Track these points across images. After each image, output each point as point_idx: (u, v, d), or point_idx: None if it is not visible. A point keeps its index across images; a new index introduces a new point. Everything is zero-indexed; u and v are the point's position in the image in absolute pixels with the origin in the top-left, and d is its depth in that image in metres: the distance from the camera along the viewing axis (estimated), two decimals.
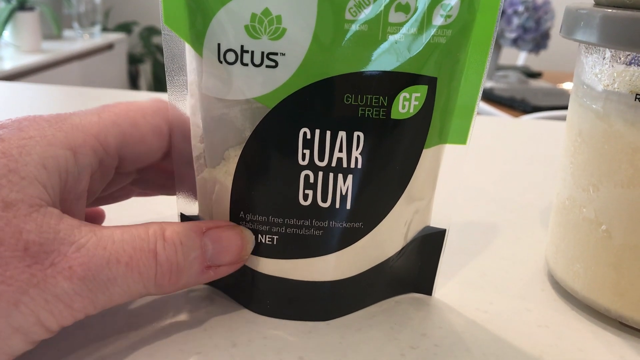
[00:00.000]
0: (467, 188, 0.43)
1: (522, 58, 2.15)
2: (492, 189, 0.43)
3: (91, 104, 0.25)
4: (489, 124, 0.66)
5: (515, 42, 1.70)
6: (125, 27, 2.79)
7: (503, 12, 1.65)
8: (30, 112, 0.23)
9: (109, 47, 2.35)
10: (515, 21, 1.66)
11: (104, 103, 0.25)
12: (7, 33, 1.90)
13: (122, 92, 0.70)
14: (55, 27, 2.08)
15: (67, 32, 2.32)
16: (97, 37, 2.31)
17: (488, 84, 1.65)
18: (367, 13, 0.22)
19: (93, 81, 2.20)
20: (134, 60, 2.73)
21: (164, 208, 0.35)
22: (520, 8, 1.65)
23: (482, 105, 1.34)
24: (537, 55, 1.78)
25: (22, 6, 1.89)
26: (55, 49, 1.99)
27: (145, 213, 0.35)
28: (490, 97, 1.50)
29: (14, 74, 1.66)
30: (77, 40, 2.23)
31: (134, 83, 2.78)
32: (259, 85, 0.23)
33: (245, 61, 0.23)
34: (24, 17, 1.87)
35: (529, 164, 0.51)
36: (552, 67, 2.25)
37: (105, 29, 2.61)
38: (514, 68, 1.94)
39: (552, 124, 0.67)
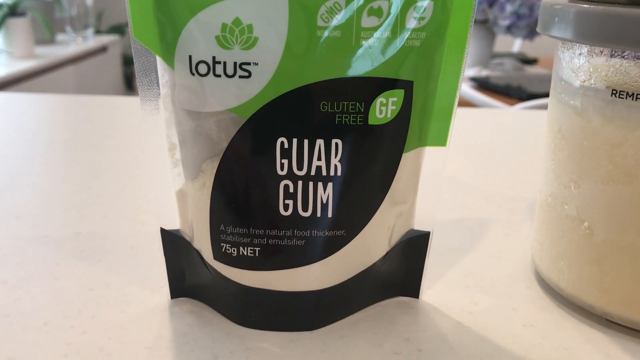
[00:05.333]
0: (455, 183, 0.43)
1: (517, 45, 2.14)
2: (481, 183, 0.43)
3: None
4: (478, 117, 0.66)
5: (509, 29, 1.69)
6: (118, 29, 2.78)
7: (496, 0, 1.64)
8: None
9: (103, 49, 2.35)
10: (509, 8, 1.65)
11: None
12: None
13: (115, 98, 0.70)
14: (47, 32, 2.07)
15: (60, 36, 2.31)
16: (90, 40, 2.30)
17: (483, 72, 1.64)
18: (339, 19, 0.22)
19: (88, 85, 2.20)
20: (128, 62, 2.73)
21: (149, 217, 0.35)
22: None
23: (478, 95, 1.34)
24: (532, 41, 1.77)
25: (14, 12, 1.89)
26: (48, 53, 1.98)
27: (132, 223, 0.35)
28: (485, 86, 1.50)
29: (8, 81, 1.66)
30: (71, 44, 2.22)
31: (129, 85, 2.78)
32: (233, 96, 0.23)
33: (217, 72, 0.23)
34: (15, 23, 1.87)
35: (520, 156, 0.50)
36: (548, 53, 2.25)
37: (98, 32, 2.60)
38: (509, 55, 1.93)
39: (543, 114, 0.66)
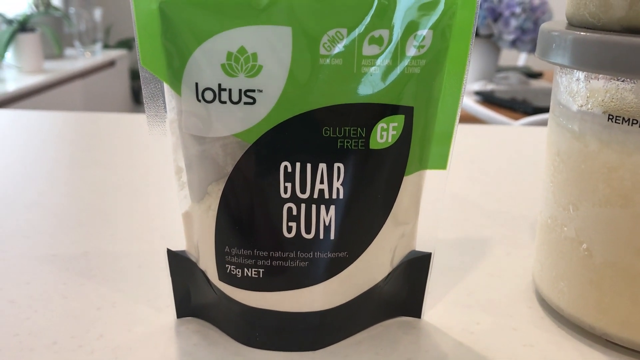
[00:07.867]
0: (458, 200, 0.43)
1: (522, 58, 2.15)
2: (483, 200, 0.44)
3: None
4: (481, 133, 0.66)
5: (514, 44, 1.70)
6: (126, 44, 2.81)
7: (500, 15, 1.65)
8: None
9: (111, 64, 2.37)
10: (513, 23, 1.66)
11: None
12: (9, 55, 1.92)
13: (123, 115, 0.71)
14: (56, 47, 2.10)
15: (68, 51, 2.34)
16: (98, 55, 2.33)
17: (488, 86, 1.65)
18: (341, 47, 0.23)
19: (96, 99, 2.22)
20: (136, 76, 2.75)
21: (156, 237, 0.36)
22: (518, 10, 1.65)
23: (482, 110, 1.34)
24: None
25: (24, 28, 1.92)
26: (57, 68, 2.01)
27: (139, 242, 0.35)
28: (490, 100, 1.50)
29: (17, 96, 1.68)
30: (79, 58, 2.25)
31: (137, 99, 2.80)
32: (238, 122, 0.23)
33: (223, 99, 0.23)
34: (25, 38, 1.89)
35: (522, 173, 0.51)
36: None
37: (106, 46, 2.63)
38: (514, 69, 1.94)
39: (545, 130, 0.67)
